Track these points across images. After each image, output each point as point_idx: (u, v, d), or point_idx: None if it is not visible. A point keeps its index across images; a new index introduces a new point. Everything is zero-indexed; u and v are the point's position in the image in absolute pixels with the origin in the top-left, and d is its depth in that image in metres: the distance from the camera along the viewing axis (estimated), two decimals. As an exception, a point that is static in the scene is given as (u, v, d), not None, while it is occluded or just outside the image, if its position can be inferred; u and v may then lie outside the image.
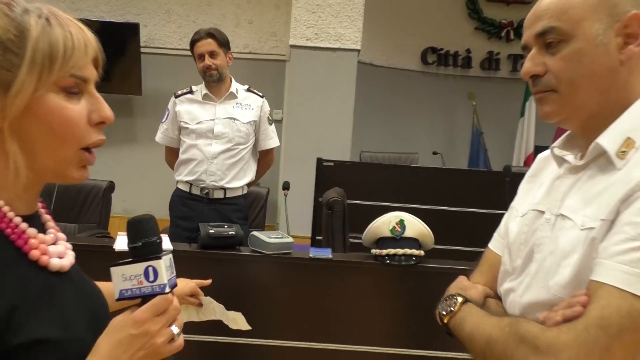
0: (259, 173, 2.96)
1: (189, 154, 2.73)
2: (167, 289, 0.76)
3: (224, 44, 2.74)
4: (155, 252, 0.77)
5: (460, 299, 0.98)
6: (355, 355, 1.79)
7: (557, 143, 1.00)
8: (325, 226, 2.88)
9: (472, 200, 3.56)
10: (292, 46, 5.17)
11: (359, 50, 5.09)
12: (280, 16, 5.55)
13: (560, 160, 0.97)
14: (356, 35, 5.11)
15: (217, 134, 2.72)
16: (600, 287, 0.78)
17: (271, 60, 5.58)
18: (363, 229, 3.23)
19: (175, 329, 0.77)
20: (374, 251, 1.83)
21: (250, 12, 5.60)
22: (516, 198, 1.09)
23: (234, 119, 2.75)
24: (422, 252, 1.80)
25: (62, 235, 0.83)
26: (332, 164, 3.85)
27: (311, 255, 1.86)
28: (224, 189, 2.74)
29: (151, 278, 0.76)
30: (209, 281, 1.39)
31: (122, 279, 0.77)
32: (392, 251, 1.77)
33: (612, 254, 0.78)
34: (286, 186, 2.67)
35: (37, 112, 0.71)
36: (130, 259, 0.78)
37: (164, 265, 0.77)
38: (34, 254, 0.74)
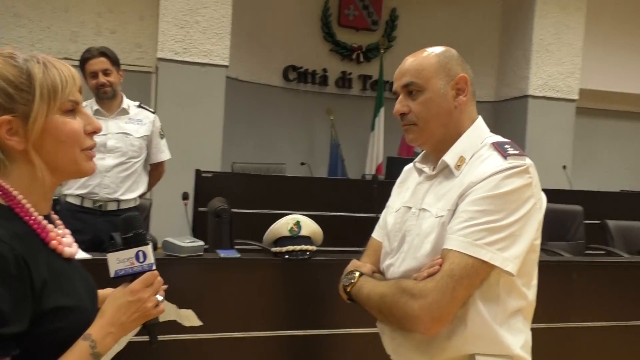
0: (151, 184, 3.10)
1: (81, 168, 2.77)
2: (154, 267, 1.05)
3: (116, 62, 2.85)
4: (143, 239, 1.06)
5: (357, 273, 1.36)
6: (266, 339, 2.06)
7: (418, 159, 1.41)
8: (213, 233, 3.09)
9: (344, 205, 4.01)
10: (160, 59, 5.27)
11: (227, 66, 5.35)
12: (145, 28, 5.56)
13: (420, 171, 1.37)
14: (224, 52, 5.37)
15: (110, 148, 2.82)
16: (449, 252, 1.16)
17: (136, 71, 5.54)
18: (244, 236, 3.48)
19: (159, 297, 1.06)
20: (274, 249, 2.08)
21: (113, 22, 5.50)
22: (390, 199, 1.48)
23: (127, 133, 2.87)
24: (314, 248, 2.11)
25: (67, 231, 1.07)
26: (210, 174, 4.05)
27: (221, 255, 2.08)
28: (118, 201, 2.84)
29: (141, 259, 1.04)
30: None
31: (117, 261, 1.04)
32: (290, 248, 2.05)
33: (454, 230, 1.18)
34: (185, 197, 2.84)
35: (50, 130, 0.96)
36: (122, 246, 1.05)
37: (151, 249, 1.05)
38: (53, 244, 0.98)
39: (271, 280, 2.13)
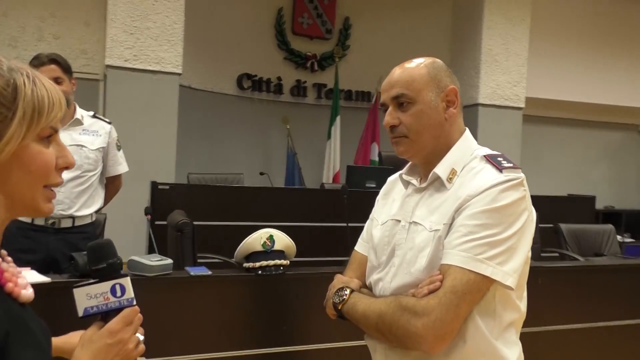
0: (107, 199, 2.94)
1: (32, 183, 2.60)
2: (134, 302, 0.91)
3: (68, 69, 2.69)
4: (117, 271, 0.92)
5: (348, 290, 1.30)
6: (242, 359, 2.01)
7: (404, 171, 1.38)
8: (175, 248, 2.97)
9: (310, 215, 3.97)
10: (109, 66, 5.05)
11: (180, 74, 5.20)
12: (92, 34, 5.33)
13: (407, 183, 1.34)
14: (177, 59, 5.21)
15: (64, 162, 2.66)
16: (449, 268, 1.14)
17: (82, 79, 5.29)
18: (205, 249, 3.37)
19: (140, 336, 0.94)
20: (247, 265, 2.02)
21: (56, 27, 5.25)
22: (374, 211, 1.44)
23: (82, 145, 2.71)
24: (288, 262, 2.06)
25: (20, 269, 0.90)
26: (167, 186, 3.92)
27: (192, 273, 1.99)
28: (73, 218, 2.67)
29: (118, 294, 0.90)
30: None
31: (87, 297, 0.88)
32: (264, 263, 1.99)
33: (453, 245, 1.15)
34: (148, 211, 2.72)
35: (21, 158, 0.81)
36: (93, 280, 0.90)
37: (130, 281, 0.92)
38: (9, 286, 0.83)
39: (244, 297, 2.06)
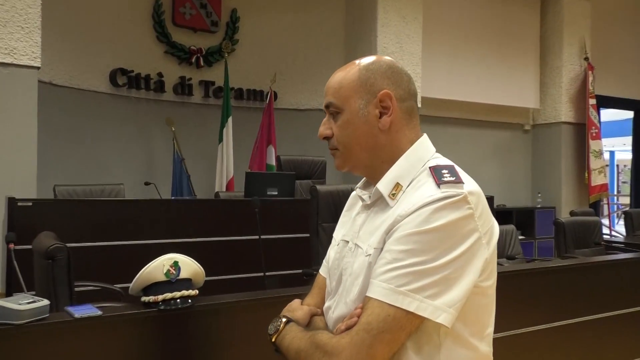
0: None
1: None
2: None
3: None
4: None
5: (284, 320, 1.16)
6: None
7: (359, 184, 1.24)
8: (46, 278, 2.42)
9: (206, 229, 3.49)
10: (-57, 57, 4.08)
11: (38, 68, 4.34)
12: None
13: (361, 199, 1.20)
14: (34, 50, 4.35)
15: None
16: (369, 301, 1.00)
17: None
18: (82, 277, 2.85)
19: None
20: (146, 298, 1.69)
21: None
22: (336, 229, 1.29)
23: None
24: (197, 292, 1.77)
25: None
26: (30, 203, 3.18)
27: (77, 315, 1.57)
28: None
29: None
30: None
31: None
32: (169, 295, 1.67)
33: (376, 275, 1.01)
34: (10, 239, 2.09)
35: None
36: None
37: None
38: None
39: (145, 338, 1.69)
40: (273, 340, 1.15)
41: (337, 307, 1.14)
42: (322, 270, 1.30)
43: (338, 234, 1.26)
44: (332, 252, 1.25)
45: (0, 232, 3.39)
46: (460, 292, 0.98)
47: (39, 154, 4.21)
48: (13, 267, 2.60)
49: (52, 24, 4.71)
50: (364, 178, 1.23)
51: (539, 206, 7.20)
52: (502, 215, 6.45)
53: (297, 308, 1.23)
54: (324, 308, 1.21)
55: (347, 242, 1.18)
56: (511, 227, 4.60)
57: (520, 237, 6.11)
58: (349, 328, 1.00)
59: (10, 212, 3.15)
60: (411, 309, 0.96)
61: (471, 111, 7.16)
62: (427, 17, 6.43)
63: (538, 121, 7.74)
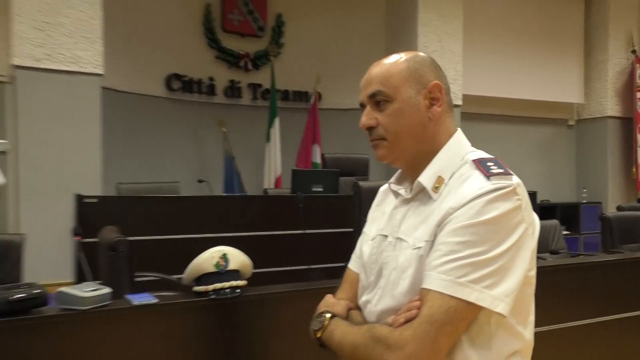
0: None
1: None
2: None
3: None
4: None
5: (328, 315, 1.17)
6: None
7: (393, 179, 1.25)
8: (109, 269, 2.65)
9: (259, 224, 3.68)
10: (17, 66, 4.47)
11: (101, 75, 4.70)
12: (-9, 30, 4.69)
13: (396, 194, 1.21)
14: (97, 59, 4.70)
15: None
16: (428, 293, 1.00)
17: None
18: (142, 267, 3.05)
19: None
20: (197, 288, 1.79)
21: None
22: (366, 224, 1.30)
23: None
24: (245, 283, 1.85)
25: None
26: (95, 200, 3.45)
27: (134, 302, 1.70)
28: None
29: None
30: None
31: None
32: (218, 285, 1.77)
33: (433, 267, 1.01)
34: (77, 231, 2.31)
35: None
36: None
37: None
38: None
39: (197, 325, 1.79)
40: (318, 335, 1.15)
41: (380, 300, 1.13)
42: (353, 265, 1.30)
43: (371, 228, 1.26)
44: (365, 247, 1.24)
45: (64, 224, 3.68)
46: (514, 282, 1.01)
47: (103, 155, 4.57)
48: (80, 258, 2.84)
49: (113, 34, 5.06)
50: (397, 173, 1.26)
51: (584, 201, 7.12)
52: (545, 210, 6.42)
53: (335, 303, 1.23)
54: (361, 302, 1.21)
55: (386, 236, 1.18)
56: (555, 222, 4.59)
57: (565, 233, 6.08)
58: (408, 321, 1.00)
59: (78, 208, 3.42)
60: (471, 300, 0.97)
61: (514, 107, 7.16)
62: (468, 14, 6.49)
63: (583, 116, 7.65)
